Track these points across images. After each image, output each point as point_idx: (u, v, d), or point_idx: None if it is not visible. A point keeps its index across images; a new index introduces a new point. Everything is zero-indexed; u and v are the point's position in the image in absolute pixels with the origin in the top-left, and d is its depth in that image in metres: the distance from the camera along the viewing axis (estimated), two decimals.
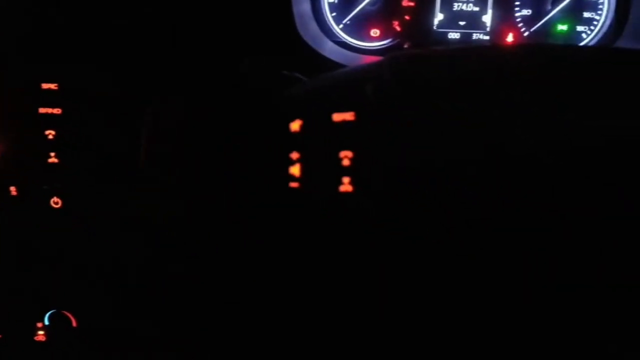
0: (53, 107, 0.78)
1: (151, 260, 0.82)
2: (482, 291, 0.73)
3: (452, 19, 0.93)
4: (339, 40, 0.95)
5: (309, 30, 0.92)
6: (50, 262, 0.85)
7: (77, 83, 0.77)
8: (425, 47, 0.91)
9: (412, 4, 0.92)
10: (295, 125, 0.56)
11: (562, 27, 0.90)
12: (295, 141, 0.56)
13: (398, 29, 0.94)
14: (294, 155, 0.56)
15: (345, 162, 0.52)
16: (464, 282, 0.72)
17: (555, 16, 0.90)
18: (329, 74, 0.61)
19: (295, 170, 0.56)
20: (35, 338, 0.89)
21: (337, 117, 0.53)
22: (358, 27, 0.94)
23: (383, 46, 0.95)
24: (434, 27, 0.93)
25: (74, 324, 0.88)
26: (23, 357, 0.89)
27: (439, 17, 0.93)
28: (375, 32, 0.95)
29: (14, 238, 0.85)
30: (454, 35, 0.93)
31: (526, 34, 0.91)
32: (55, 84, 0.76)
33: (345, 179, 0.53)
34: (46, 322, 0.89)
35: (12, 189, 0.82)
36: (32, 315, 0.88)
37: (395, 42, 0.94)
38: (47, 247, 0.84)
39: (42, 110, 0.78)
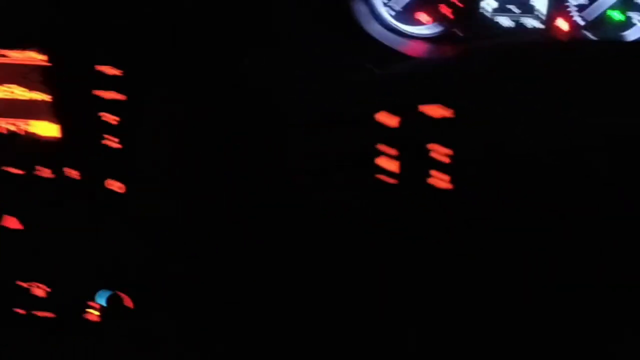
0: (118, 93, 0.79)
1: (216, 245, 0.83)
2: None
3: (505, 6, 0.92)
4: (388, 25, 0.95)
5: (359, 13, 0.92)
6: (108, 243, 0.87)
7: (142, 70, 0.78)
8: (478, 34, 0.91)
9: None
10: (391, 121, 0.56)
11: (617, 15, 0.90)
12: (390, 136, 0.56)
13: (449, 15, 0.93)
14: (390, 150, 0.56)
15: (443, 158, 0.53)
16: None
17: (609, 3, 0.90)
18: (411, 65, 0.61)
19: (391, 165, 0.56)
20: (87, 317, 0.90)
21: (431, 111, 0.53)
22: (407, 13, 0.94)
23: (434, 33, 0.95)
24: (487, 14, 0.93)
25: (130, 306, 0.90)
26: (73, 337, 0.90)
27: (492, 3, 0.93)
28: (424, 17, 0.95)
29: (72, 219, 0.86)
30: (507, 22, 0.93)
31: (581, 22, 0.91)
32: (121, 71, 0.77)
33: (442, 175, 0.54)
34: (102, 303, 0.90)
35: (74, 172, 0.83)
36: (88, 295, 0.90)
37: (446, 28, 0.94)
38: (105, 228, 0.86)
39: (107, 95, 0.79)
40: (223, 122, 0.78)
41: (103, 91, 0.78)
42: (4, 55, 0.79)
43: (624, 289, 0.73)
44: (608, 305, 0.75)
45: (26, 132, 0.82)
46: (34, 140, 0.82)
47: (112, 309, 0.89)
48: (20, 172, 0.83)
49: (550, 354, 0.77)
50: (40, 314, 0.89)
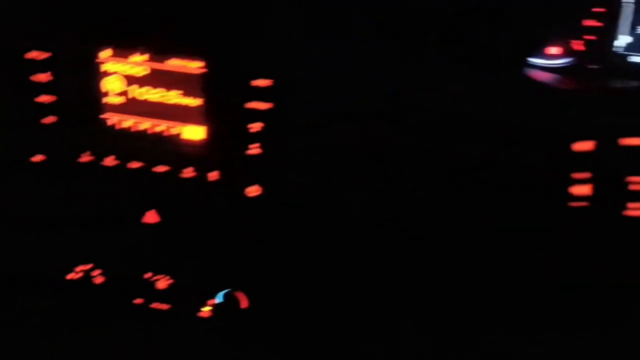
0: (262, 101, 0.83)
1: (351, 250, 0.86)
2: None
3: (637, 43, 0.93)
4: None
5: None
6: (236, 243, 0.91)
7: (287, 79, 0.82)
8: (610, 69, 0.92)
9: (598, 24, 0.93)
10: (585, 146, 0.57)
11: None
12: (583, 161, 0.57)
13: (580, 48, 0.95)
14: (583, 175, 0.57)
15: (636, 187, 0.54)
16: None
17: None
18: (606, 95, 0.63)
19: (583, 190, 0.57)
20: (200, 314, 0.94)
21: (628, 141, 0.54)
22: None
23: (562, 65, 0.96)
24: (619, 50, 0.94)
25: (245, 305, 0.93)
26: (183, 329, 0.94)
27: (625, 39, 0.93)
28: (554, 50, 0.96)
29: (203, 218, 0.91)
30: (636, 59, 0.94)
31: None
32: (270, 81, 0.82)
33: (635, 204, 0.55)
34: (219, 300, 0.94)
35: (213, 174, 0.88)
36: (207, 291, 0.94)
37: (575, 61, 0.96)
38: (236, 229, 0.90)
39: (249, 105, 0.84)
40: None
41: (253, 102, 0.83)
42: (163, 62, 0.85)
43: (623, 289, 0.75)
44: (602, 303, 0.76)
45: (174, 134, 0.88)
46: (181, 142, 0.88)
47: (226, 307, 0.93)
48: (165, 169, 0.89)
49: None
50: (158, 305, 0.94)
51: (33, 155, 0.89)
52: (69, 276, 0.94)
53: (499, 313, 0.81)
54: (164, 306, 0.95)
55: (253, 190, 0.87)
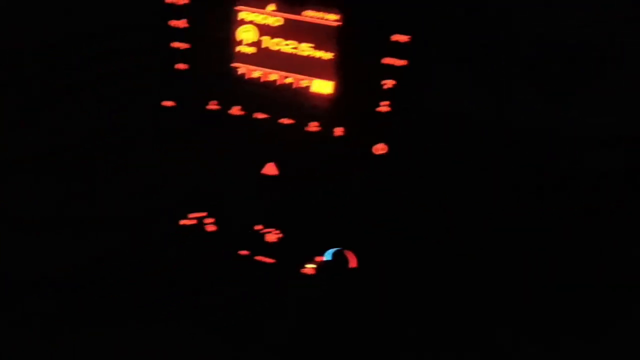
0: (398, 58, 0.82)
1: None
2: None
3: None
4: None
5: None
6: (354, 202, 0.91)
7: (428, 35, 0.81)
8: None
9: None
10: None
11: None
12: None
13: None
14: None
15: None
16: None
17: None
18: None
19: None
20: (304, 270, 0.94)
21: None
22: None
23: None
24: None
25: (353, 265, 0.93)
26: (287, 284, 0.94)
27: None
28: None
29: (324, 174, 0.91)
30: None
31: None
32: (408, 37, 0.81)
33: None
34: (328, 258, 0.93)
35: (339, 130, 0.88)
36: (315, 249, 0.94)
37: None
38: (356, 188, 0.90)
39: (385, 61, 0.83)
40: None
41: (388, 57, 0.82)
42: (298, 13, 0.85)
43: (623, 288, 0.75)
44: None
45: (303, 87, 0.88)
46: (308, 95, 0.88)
47: (334, 266, 0.92)
48: (290, 122, 0.89)
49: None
50: (264, 259, 0.95)
51: (165, 100, 0.91)
52: (182, 222, 0.96)
53: (499, 313, 0.81)
54: (269, 260, 0.95)
55: (379, 149, 0.86)
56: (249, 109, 0.90)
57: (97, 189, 0.93)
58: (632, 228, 0.74)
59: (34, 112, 0.88)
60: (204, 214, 0.97)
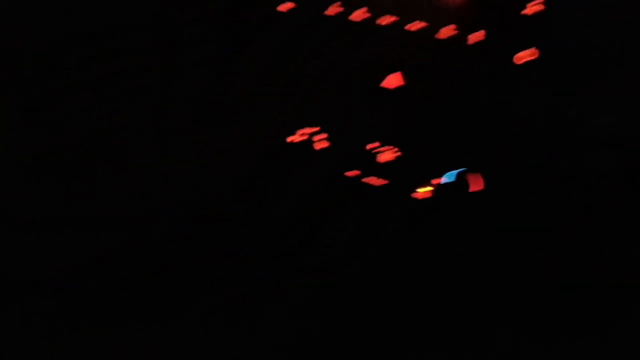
0: None
1: None
2: None
3: None
4: None
5: None
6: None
7: None
8: None
9: None
10: None
11: None
12: None
13: None
14: None
15: None
16: None
17: None
18: None
19: None
20: (416, 195, 0.86)
21: None
22: None
23: None
24: None
25: (478, 187, 0.85)
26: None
27: None
28: None
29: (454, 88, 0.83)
30: None
31: None
32: None
33: None
34: (449, 179, 0.86)
35: (478, 34, 0.78)
36: (433, 171, 0.86)
37: None
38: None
39: None
40: None
41: None
42: None
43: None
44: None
45: None
46: None
47: (456, 187, 0.85)
48: (420, 26, 0.80)
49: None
50: (373, 180, 0.87)
51: None
52: (290, 139, 0.89)
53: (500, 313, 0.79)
54: (380, 181, 0.88)
55: (525, 56, 0.77)
56: (373, 12, 0.81)
57: (97, 189, 0.90)
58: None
59: (34, 112, 0.86)
60: (316, 128, 0.90)
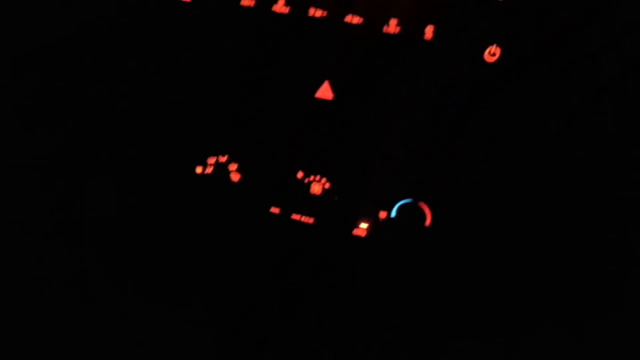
0: None
1: None
2: None
3: None
4: None
5: None
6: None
7: None
8: None
9: None
10: None
11: None
12: None
13: None
14: None
15: None
16: None
17: None
18: None
19: None
20: (355, 232, 0.72)
21: None
22: None
23: None
24: None
25: (428, 222, 0.73)
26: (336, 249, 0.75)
27: None
28: None
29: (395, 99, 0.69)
30: None
31: None
32: None
33: None
34: (392, 214, 0.73)
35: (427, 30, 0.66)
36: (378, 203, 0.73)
37: None
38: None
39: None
40: None
41: None
42: None
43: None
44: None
45: None
46: None
47: (400, 223, 0.72)
48: (358, 21, 0.66)
49: None
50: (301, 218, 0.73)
51: None
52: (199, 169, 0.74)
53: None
54: (308, 219, 0.73)
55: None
56: (298, 2, 0.68)
57: (97, 188, 0.83)
58: None
59: (34, 112, 0.80)
60: (224, 157, 0.75)
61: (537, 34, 0.65)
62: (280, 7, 0.67)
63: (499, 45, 0.65)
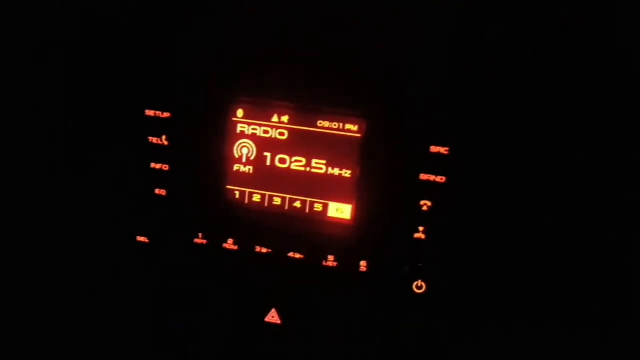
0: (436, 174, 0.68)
1: None
2: None
3: None
4: None
5: None
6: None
7: None
8: None
9: None
10: None
11: None
12: None
13: None
14: None
15: None
16: None
17: None
18: None
19: None
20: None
21: None
22: None
23: None
24: None
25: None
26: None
27: None
28: None
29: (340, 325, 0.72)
30: None
31: None
32: (446, 148, 0.66)
33: None
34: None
35: (361, 265, 0.70)
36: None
37: None
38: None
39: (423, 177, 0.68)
40: None
41: (425, 173, 0.68)
42: (311, 125, 0.71)
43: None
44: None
45: (314, 212, 0.72)
46: (322, 222, 0.71)
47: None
48: (299, 257, 0.71)
49: None
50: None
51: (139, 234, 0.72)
52: None
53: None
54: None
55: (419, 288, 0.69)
56: (244, 243, 0.72)
57: (97, 188, 0.80)
58: None
59: (34, 112, 0.78)
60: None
61: (537, 36, 0.67)
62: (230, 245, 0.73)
63: (423, 281, 0.70)
